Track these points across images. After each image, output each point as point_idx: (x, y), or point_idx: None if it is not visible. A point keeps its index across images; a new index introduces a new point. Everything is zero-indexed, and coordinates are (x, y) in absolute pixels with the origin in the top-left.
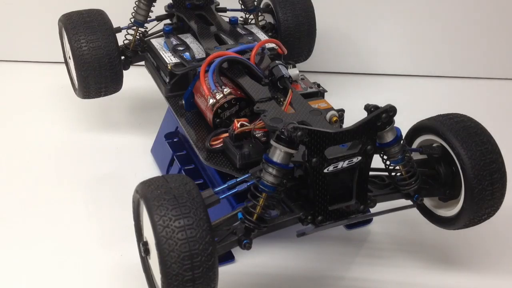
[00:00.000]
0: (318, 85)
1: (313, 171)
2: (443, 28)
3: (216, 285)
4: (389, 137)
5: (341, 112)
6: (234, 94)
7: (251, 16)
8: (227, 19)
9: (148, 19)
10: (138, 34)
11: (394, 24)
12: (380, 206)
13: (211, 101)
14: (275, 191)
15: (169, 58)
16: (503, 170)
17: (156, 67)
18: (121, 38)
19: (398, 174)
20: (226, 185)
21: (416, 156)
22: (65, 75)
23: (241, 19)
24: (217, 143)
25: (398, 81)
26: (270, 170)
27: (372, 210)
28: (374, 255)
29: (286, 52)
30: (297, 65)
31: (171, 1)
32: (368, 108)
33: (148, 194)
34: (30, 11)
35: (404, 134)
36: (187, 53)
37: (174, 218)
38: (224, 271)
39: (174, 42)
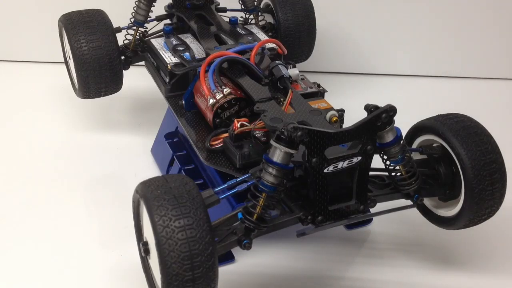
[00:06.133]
0: (318, 85)
1: (313, 171)
2: (443, 28)
3: (216, 285)
4: (389, 137)
5: (341, 112)
6: (234, 94)
7: (251, 16)
8: (227, 19)
9: (148, 19)
10: (138, 34)
11: (394, 24)
12: (380, 206)
13: (211, 101)
14: (275, 191)
15: (169, 58)
16: (503, 170)
17: (156, 67)
18: (121, 38)
19: (398, 174)
20: (226, 185)
21: (416, 156)
22: (65, 75)
23: (241, 19)
24: (217, 143)
25: (398, 81)
26: (270, 170)
27: (372, 210)
28: (374, 255)
29: (286, 52)
30: (297, 65)
31: (171, 1)
32: (368, 108)
33: (148, 194)
34: (30, 11)
35: (404, 134)
36: (187, 53)
37: (174, 218)
38: (224, 271)
39: (174, 42)
